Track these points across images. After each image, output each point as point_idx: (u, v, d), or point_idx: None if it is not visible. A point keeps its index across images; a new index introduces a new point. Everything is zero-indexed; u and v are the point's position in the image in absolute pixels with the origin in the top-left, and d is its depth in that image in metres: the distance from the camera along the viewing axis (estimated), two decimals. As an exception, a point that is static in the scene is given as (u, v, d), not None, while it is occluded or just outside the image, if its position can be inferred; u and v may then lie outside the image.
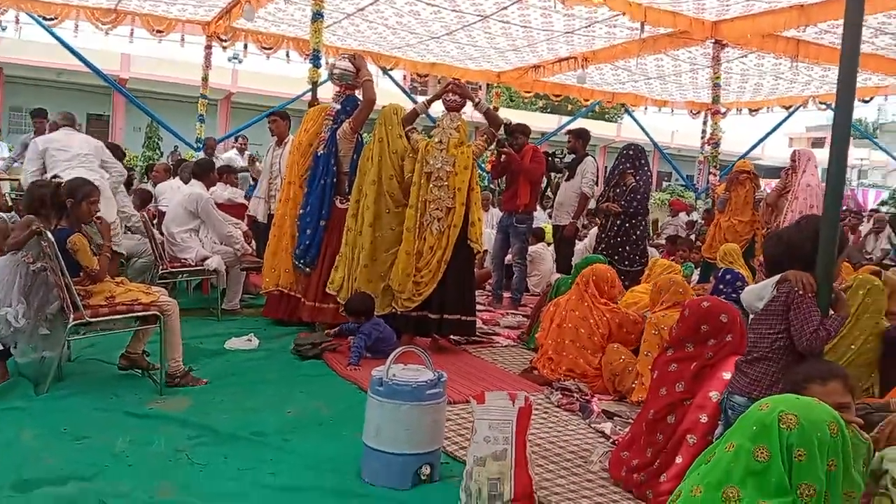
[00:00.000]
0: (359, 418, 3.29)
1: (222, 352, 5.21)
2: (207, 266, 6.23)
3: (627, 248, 7.06)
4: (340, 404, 4.13)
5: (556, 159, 7.73)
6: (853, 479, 1.61)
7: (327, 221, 5.91)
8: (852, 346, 4.56)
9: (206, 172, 6.67)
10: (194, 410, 3.92)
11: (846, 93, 2.68)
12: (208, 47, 11.72)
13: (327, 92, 6.84)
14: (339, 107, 6.01)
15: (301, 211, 5.99)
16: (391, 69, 12.87)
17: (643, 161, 7.20)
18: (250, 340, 5.42)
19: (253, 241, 7.06)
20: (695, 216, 13.56)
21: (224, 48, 11.84)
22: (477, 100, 5.60)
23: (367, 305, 5.26)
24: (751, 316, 3.00)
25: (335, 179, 5.95)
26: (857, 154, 39.50)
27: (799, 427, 1.56)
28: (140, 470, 3.13)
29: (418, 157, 5.42)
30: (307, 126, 6.22)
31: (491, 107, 5.84)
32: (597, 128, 29.49)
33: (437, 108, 6.18)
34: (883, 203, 32.13)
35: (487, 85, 14.17)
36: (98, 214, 4.37)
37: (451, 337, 5.69)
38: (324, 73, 7.55)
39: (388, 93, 13.21)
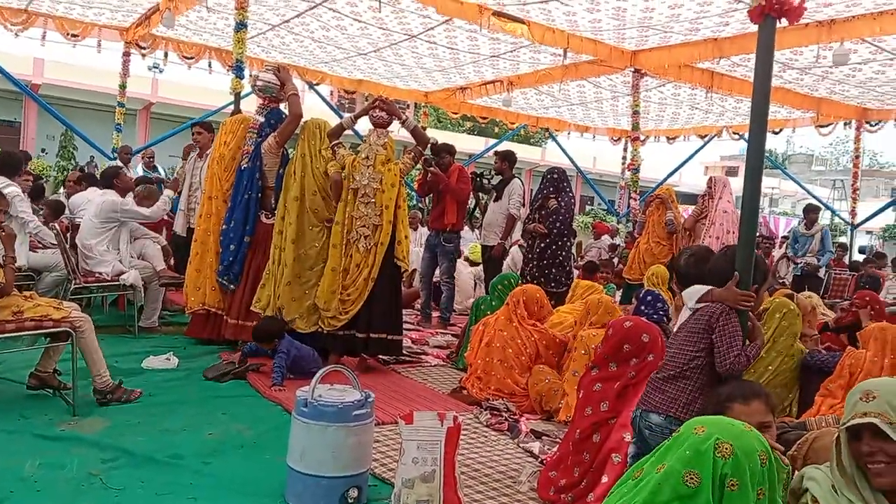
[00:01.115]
0: (283, 440, 3.20)
1: (139, 371, 5.00)
2: (124, 281, 5.98)
3: (554, 269, 7.17)
4: (263, 426, 4.01)
5: (484, 180, 7.82)
6: None
7: (252, 237, 5.76)
8: (770, 367, 4.76)
9: (111, 179, 6.45)
10: (109, 432, 3.73)
11: (758, 124, 2.80)
12: (126, 54, 11.32)
13: (251, 105, 6.70)
14: (262, 119, 5.88)
15: (224, 226, 5.82)
16: (317, 84, 12.76)
17: (566, 184, 7.35)
18: (169, 359, 5.22)
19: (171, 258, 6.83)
20: (617, 240, 13.94)
21: (143, 56, 11.47)
22: (404, 117, 5.60)
23: (273, 331, 5.08)
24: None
25: (260, 194, 5.82)
26: (768, 183, 41.59)
27: (734, 457, 1.56)
28: (49, 495, 2.95)
29: (345, 174, 5.37)
30: (226, 139, 6.04)
31: (418, 125, 5.83)
32: (522, 151, 30.01)
33: (366, 126, 6.14)
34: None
35: (415, 104, 14.21)
36: (2, 224, 4.13)
37: (381, 357, 5.64)
38: (247, 84, 7.41)
39: (314, 108, 13.09)
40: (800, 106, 11.47)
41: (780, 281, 10.29)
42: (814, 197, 15.18)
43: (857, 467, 2.00)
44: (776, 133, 13.34)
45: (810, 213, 11.05)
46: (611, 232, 14.26)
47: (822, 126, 12.56)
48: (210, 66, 11.63)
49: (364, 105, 5.80)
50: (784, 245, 12.02)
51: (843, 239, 17.17)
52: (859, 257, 14.72)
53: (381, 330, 5.38)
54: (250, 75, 7.16)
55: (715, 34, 8.27)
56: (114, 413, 4.06)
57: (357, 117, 6.02)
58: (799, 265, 10.57)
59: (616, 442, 3.05)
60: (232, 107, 7.05)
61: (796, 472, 2.25)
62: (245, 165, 5.80)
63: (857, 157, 12.97)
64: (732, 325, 2.72)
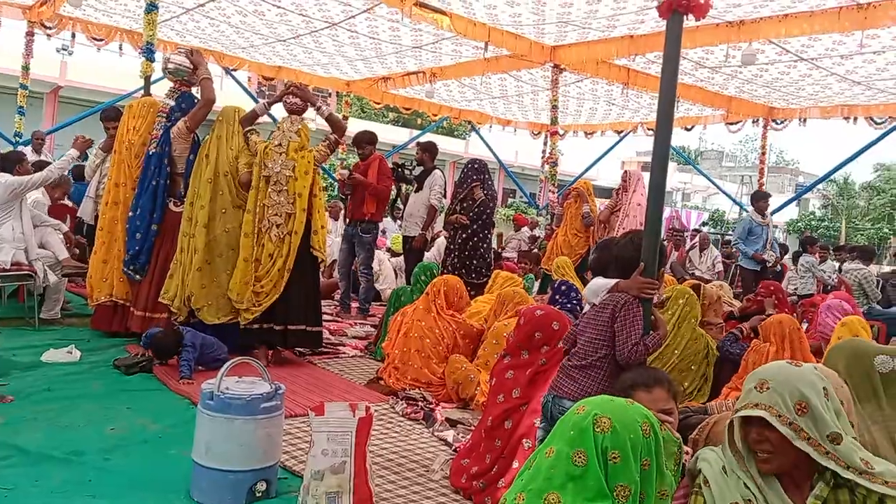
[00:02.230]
0: (189, 435, 3.09)
1: (38, 364, 4.75)
2: (24, 271, 5.66)
3: (475, 260, 7.21)
4: (169, 420, 3.88)
5: (406, 170, 7.78)
6: (665, 477, 1.67)
7: (160, 225, 5.55)
8: (676, 352, 4.96)
9: (13, 165, 6.08)
10: (2, 430, 3.52)
11: (665, 115, 2.88)
12: (30, 34, 10.73)
13: (163, 89, 6.45)
14: (173, 103, 5.66)
15: (130, 213, 5.58)
16: (234, 70, 12.42)
17: (487, 175, 7.41)
18: (71, 353, 4.98)
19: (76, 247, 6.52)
20: (538, 231, 14.15)
21: (49, 36, 10.88)
22: (319, 104, 5.49)
23: (170, 345, 4.84)
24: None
25: (168, 180, 5.60)
26: (680, 178, 43.12)
27: (613, 430, 1.59)
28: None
29: (256, 160, 5.24)
30: (134, 124, 5.79)
31: (334, 112, 5.72)
32: (446, 143, 30.09)
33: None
34: (704, 223, 35.25)
35: (337, 93, 14.02)
36: None
37: (297, 349, 5.54)
38: (159, 68, 7.14)
39: (232, 94, 12.75)
40: (710, 104, 11.90)
41: (691, 272, 10.66)
42: (723, 192, 15.81)
43: (748, 449, 2.08)
44: (688, 130, 13.80)
45: (759, 200, 9.76)
46: (531, 224, 14.47)
47: (731, 123, 13.07)
48: (121, 48, 11.15)
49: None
50: (697, 237, 12.38)
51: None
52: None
53: (300, 322, 5.29)
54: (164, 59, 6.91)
55: (631, 31, 8.48)
56: (6, 408, 3.84)
57: (271, 104, 5.87)
58: (766, 262, 9.45)
59: (527, 428, 3.08)
60: (142, 91, 6.79)
61: (694, 454, 2.33)
62: (153, 150, 5.58)
63: (764, 153, 13.57)
64: (633, 315, 2.79)
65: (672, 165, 40.28)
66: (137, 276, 5.50)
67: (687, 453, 2.36)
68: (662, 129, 2.89)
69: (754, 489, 2.07)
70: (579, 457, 1.59)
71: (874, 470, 2.02)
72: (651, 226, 2.86)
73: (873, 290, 8.31)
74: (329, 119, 5.53)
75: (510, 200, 34.72)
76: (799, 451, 2.00)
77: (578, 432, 1.61)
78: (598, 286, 2.97)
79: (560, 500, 1.57)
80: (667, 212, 28.11)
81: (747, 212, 10.40)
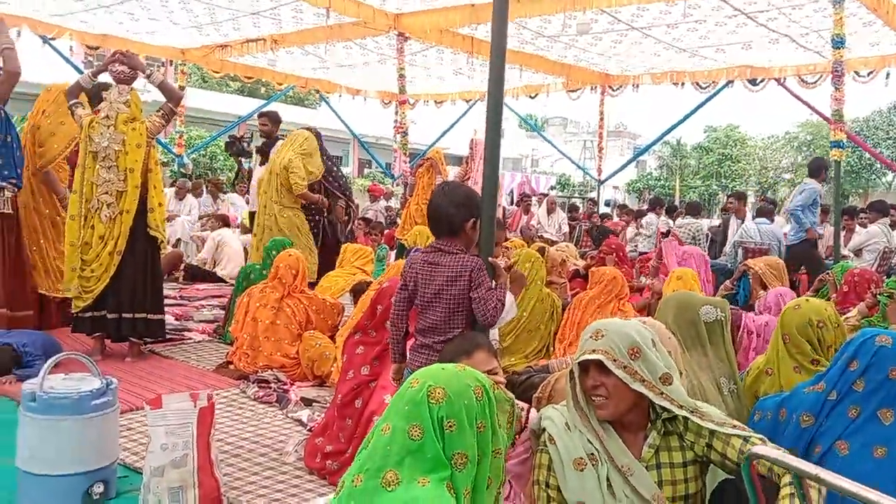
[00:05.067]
0: (12, 441, 2.81)
1: None
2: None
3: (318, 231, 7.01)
4: (-10, 426, 3.52)
5: (244, 143, 7.44)
6: (500, 436, 1.70)
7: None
8: (524, 314, 5.11)
9: None
10: None
11: (496, 86, 2.89)
12: None
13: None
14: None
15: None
16: (53, 39, 11.33)
17: (322, 146, 7.18)
18: None
19: None
20: (393, 202, 14.14)
21: None
22: (148, 71, 5.10)
23: (4, 362, 4.34)
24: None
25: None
26: (529, 145, 44.54)
27: (447, 399, 1.60)
28: None
29: (81, 136, 4.81)
30: None
31: (166, 80, 5.32)
32: (296, 113, 29.27)
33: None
34: (552, 188, 36.69)
35: (172, 62, 13.17)
36: None
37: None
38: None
39: (54, 65, 11.65)
40: (551, 72, 12.29)
41: (539, 234, 11.03)
42: (566, 157, 16.47)
43: (587, 402, 2.17)
44: (532, 98, 14.21)
45: (824, 170, 8.08)
46: (386, 194, 14.43)
47: (571, 91, 13.58)
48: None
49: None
50: (545, 201, 12.75)
51: (592, 194, 18.83)
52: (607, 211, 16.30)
53: (137, 309, 4.94)
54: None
55: (472, 0, 8.53)
56: None
57: (96, 74, 5.36)
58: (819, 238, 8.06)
59: (378, 404, 3.05)
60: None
61: (536, 413, 2.41)
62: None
63: (602, 119, 14.21)
64: (486, 276, 2.80)
65: (522, 133, 41.48)
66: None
67: (524, 409, 2.43)
68: (493, 98, 2.91)
69: (596, 443, 2.18)
70: (415, 430, 1.58)
71: (702, 410, 2.18)
72: (488, 192, 2.87)
73: (702, 243, 8.98)
74: (162, 87, 5.14)
75: (366, 171, 34.44)
76: (633, 396, 2.11)
77: (413, 406, 1.61)
78: None
79: (398, 476, 1.56)
80: (518, 178, 29.04)
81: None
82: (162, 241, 5.18)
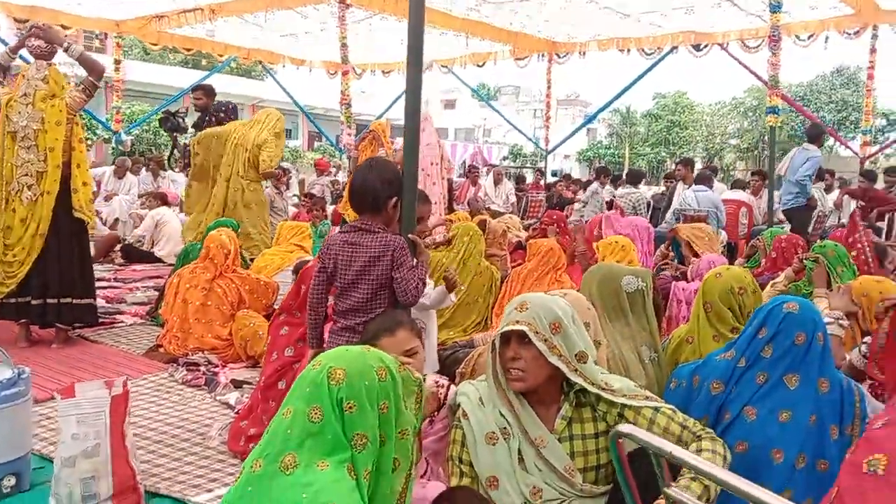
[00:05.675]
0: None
1: None
2: None
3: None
4: None
5: (179, 118, 7.20)
6: (405, 417, 1.68)
7: None
8: (462, 287, 5.09)
9: None
10: None
11: (415, 56, 2.83)
12: None
13: None
14: None
15: None
16: (-27, 11, 10.83)
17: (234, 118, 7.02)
18: None
19: None
20: (341, 176, 13.95)
21: None
22: (66, 44, 4.87)
23: None
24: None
25: None
26: (481, 114, 44.42)
27: (347, 379, 1.58)
28: None
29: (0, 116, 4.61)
30: None
31: (85, 52, 5.08)
32: (243, 85, 28.66)
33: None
34: (504, 158, 36.74)
35: (107, 35, 12.70)
36: None
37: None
38: None
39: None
40: (498, 39, 12.17)
41: (487, 206, 11.00)
42: (515, 127, 16.43)
43: (504, 374, 2.17)
44: (480, 66, 14.10)
45: (822, 135, 8.46)
46: (333, 168, 14.24)
47: (519, 59, 13.50)
48: None
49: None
50: (492, 173, 12.73)
51: (540, 164, 18.86)
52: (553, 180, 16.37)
53: (64, 293, 4.77)
54: None
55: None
56: None
57: (14, 50, 5.12)
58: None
59: (301, 385, 3.00)
60: None
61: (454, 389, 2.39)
62: None
63: (549, 87, 14.17)
64: (408, 255, 2.77)
65: (475, 102, 41.32)
66: None
67: (443, 386, 2.42)
68: (413, 70, 2.86)
69: (510, 417, 2.18)
70: (315, 413, 1.56)
71: (613, 387, 2.20)
72: (408, 168, 2.83)
73: (643, 212, 9.06)
74: (81, 60, 4.92)
75: (317, 144, 33.99)
76: (549, 369, 2.12)
77: (314, 388, 1.59)
78: None
79: (296, 459, 1.54)
80: (470, 148, 28.97)
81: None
82: (89, 223, 5.03)
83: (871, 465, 1.44)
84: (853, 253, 4.39)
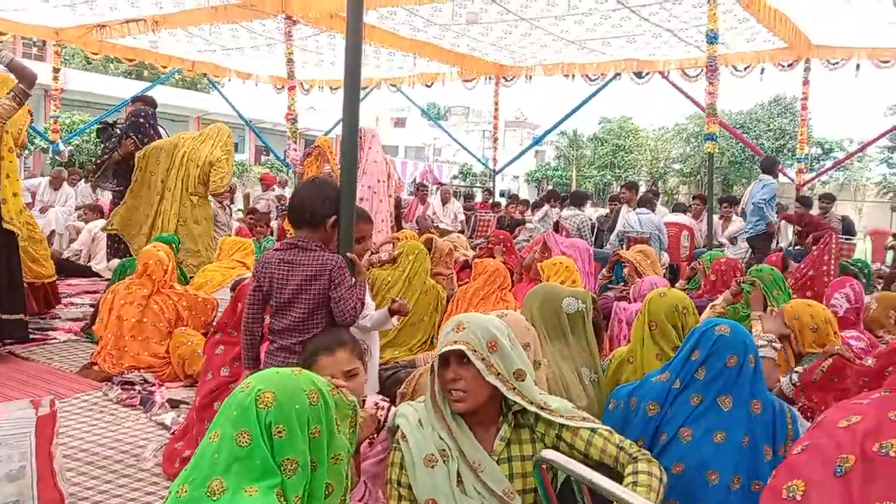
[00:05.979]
0: None
1: None
2: None
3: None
4: None
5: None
6: (338, 441, 1.64)
7: None
8: (409, 305, 5.07)
9: None
10: None
11: (352, 77, 2.84)
12: None
13: None
14: None
15: None
16: None
17: (153, 130, 6.83)
18: None
19: None
20: (287, 191, 13.76)
21: None
22: None
23: None
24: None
25: None
26: (432, 133, 44.62)
27: (276, 403, 1.53)
28: None
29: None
30: None
31: (16, 59, 4.91)
32: (188, 98, 28.17)
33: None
34: (455, 177, 36.91)
35: (45, 43, 12.35)
36: None
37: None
38: None
39: None
40: (446, 61, 12.27)
41: (434, 225, 11.03)
42: (463, 147, 16.54)
43: (444, 396, 2.17)
44: (429, 86, 14.17)
45: (775, 165, 9.53)
46: (280, 183, 14.08)
47: (467, 81, 13.62)
48: None
49: None
50: (440, 191, 12.76)
51: (489, 184, 19.02)
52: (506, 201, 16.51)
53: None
54: None
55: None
56: None
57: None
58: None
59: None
60: None
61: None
62: None
63: (496, 108, 14.33)
64: (347, 274, 2.74)
65: (424, 121, 41.51)
66: None
67: (383, 409, 2.40)
68: (350, 90, 2.85)
69: (448, 439, 2.17)
70: (243, 437, 1.51)
71: (552, 407, 2.21)
72: (346, 186, 2.83)
73: (587, 234, 9.20)
74: (11, 67, 4.74)
75: (264, 158, 33.57)
76: (489, 389, 2.12)
77: (241, 411, 1.53)
78: None
79: (223, 484, 1.48)
80: (421, 166, 29.07)
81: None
82: (19, 235, 4.85)
83: (790, 491, 1.47)
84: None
